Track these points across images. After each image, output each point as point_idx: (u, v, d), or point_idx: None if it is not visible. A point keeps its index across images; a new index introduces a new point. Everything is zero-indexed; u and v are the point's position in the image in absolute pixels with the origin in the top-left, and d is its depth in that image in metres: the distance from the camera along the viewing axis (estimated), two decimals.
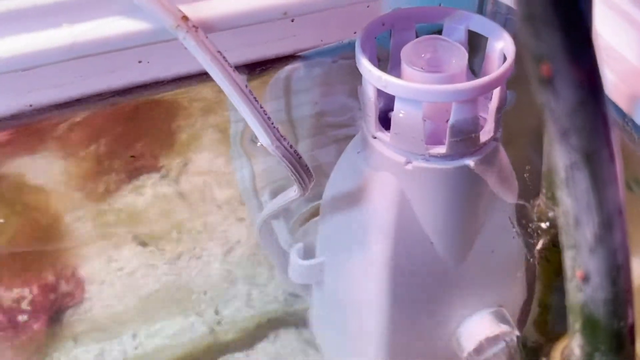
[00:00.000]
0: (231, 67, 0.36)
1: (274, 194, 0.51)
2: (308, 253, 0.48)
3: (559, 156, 0.24)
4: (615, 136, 0.24)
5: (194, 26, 0.35)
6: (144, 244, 0.56)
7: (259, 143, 0.37)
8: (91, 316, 0.57)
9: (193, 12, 0.36)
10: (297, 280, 0.48)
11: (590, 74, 0.23)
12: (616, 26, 0.35)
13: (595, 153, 0.24)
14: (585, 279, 0.26)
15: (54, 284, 0.58)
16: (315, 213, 0.49)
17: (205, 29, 0.36)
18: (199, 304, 0.55)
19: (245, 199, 0.53)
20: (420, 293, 0.44)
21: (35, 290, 0.58)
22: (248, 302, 0.55)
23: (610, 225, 0.25)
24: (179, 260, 0.56)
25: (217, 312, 0.55)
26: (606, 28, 0.36)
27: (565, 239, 0.26)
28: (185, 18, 0.35)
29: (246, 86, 0.37)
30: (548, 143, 0.41)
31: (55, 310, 0.58)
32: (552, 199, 0.41)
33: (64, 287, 0.58)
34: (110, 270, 0.57)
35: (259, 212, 0.51)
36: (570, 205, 0.25)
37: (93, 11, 0.35)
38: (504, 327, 0.44)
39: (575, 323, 0.27)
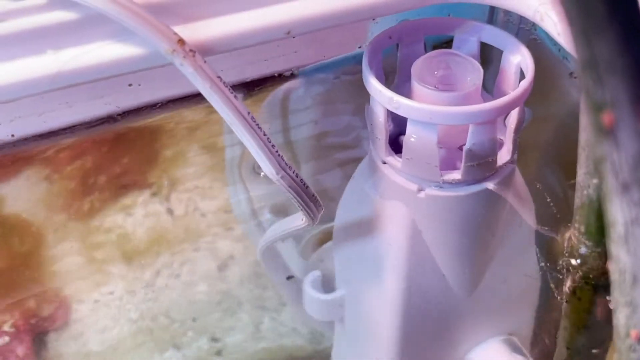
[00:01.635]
0: (232, 93, 0.33)
1: (275, 212, 0.48)
2: (326, 284, 0.44)
3: (618, 211, 0.21)
4: None
5: (191, 50, 0.32)
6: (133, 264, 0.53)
7: (262, 173, 0.34)
8: (77, 344, 0.54)
9: (189, 34, 0.33)
10: (316, 317, 0.45)
11: None
12: None
13: None
14: None
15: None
16: (326, 236, 0.45)
17: (203, 52, 0.33)
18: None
19: (242, 221, 0.49)
20: (431, 323, 0.41)
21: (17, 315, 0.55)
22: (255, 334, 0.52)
23: None
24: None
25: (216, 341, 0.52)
26: None
27: (618, 297, 0.23)
28: (181, 42, 0.32)
29: (249, 113, 0.34)
30: (583, 176, 0.38)
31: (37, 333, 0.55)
32: (586, 234, 0.38)
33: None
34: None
35: (259, 232, 0.48)
36: (629, 263, 0.22)
37: (80, 36, 0.32)
38: (518, 358, 0.41)
39: None
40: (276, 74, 0.42)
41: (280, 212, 0.46)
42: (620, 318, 0.24)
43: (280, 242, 0.45)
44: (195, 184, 0.48)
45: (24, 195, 0.47)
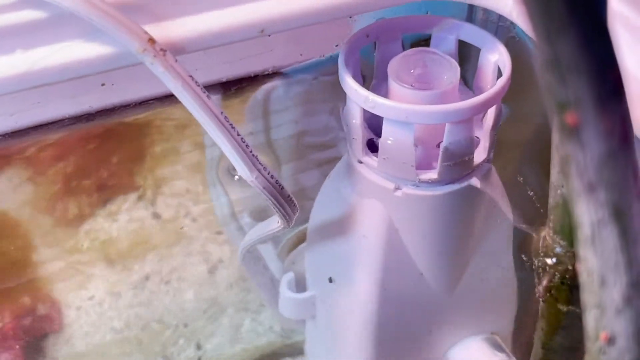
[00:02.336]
0: (205, 92, 0.33)
1: (254, 216, 0.48)
2: (299, 284, 0.44)
3: (584, 212, 0.21)
4: None
5: (161, 50, 0.32)
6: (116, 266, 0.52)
7: (236, 176, 0.34)
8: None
9: (161, 32, 0.33)
10: (288, 315, 0.45)
11: (621, 123, 0.20)
12: (636, 52, 0.32)
13: (625, 208, 0.21)
14: (611, 341, 0.23)
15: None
16: (303, 237, 0.45)
17: (174, 51, 0.32)
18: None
19: (223, 224, 0.49)
20: (409, 323, 0.41)
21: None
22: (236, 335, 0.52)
23: None
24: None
25: (199, 347, 0.52)
26: (626, 55, 0.32)
27: (587, 298, 0.23)
28: (152, 41, 0.32)
29: (222, 113, 0.33)
30: (556, 175, 0.38)
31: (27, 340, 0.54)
32: (560, 234, 0.38)
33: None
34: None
35: (240, 235, 0.47)
36: (596, 264, 0.22)
37: (50, 35, 0.32)
38: (500, 355, 0.41)
39: None
40: (252, 74, 0.41)
41: (260, 215, 0.46)
42: (590, 320, 0.24)
43: (260, 244, 0.45)
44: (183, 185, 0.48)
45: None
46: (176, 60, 0.32)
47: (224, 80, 0.41)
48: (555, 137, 0.35)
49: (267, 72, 0.41)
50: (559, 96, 0.19)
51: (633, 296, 0.22)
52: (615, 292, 0.22)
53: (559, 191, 0.37)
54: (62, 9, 0.31)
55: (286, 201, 0.36)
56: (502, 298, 0.43)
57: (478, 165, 0.38)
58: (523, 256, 0.41)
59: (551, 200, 0.38)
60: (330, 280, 0.42)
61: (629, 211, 0.21)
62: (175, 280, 0.51)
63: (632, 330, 0.23)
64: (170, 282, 0.51)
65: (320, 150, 0.46)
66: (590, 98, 0.19)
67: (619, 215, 0.21)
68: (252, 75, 0.41)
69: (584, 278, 0.23)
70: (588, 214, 0.21)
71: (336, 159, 0.41)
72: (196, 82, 0.33)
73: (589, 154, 0.20)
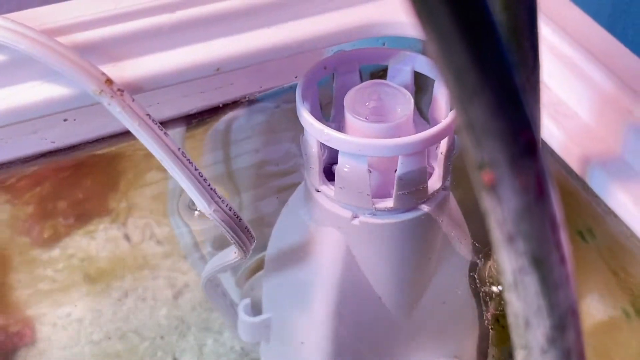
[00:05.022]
0: (162, 130, 0.34)
1: (216, 245, 0.49)
2: (255, 309, 0.45)
3: (505, 260, 0.22)
4: (566, 237, 0.23)
5: (119, 90, 0.33)
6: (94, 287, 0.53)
7: (196, 211, 0.35)
8: None
9: (118, 72, 0.34)
10: (245, 339, 0.46)
11: (536, 180, 0.21)
12: (566, 80, 0.34)
13: (544, 257, 0.22)
14: None
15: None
16: (260, 265, 0.46)
17: (132, 90, 0.33)
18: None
19: (186, 253, 0.50)
20: (368, 348, 0.42)
21: None
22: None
23: (563, 326, 0.23)
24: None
25: None
26: (556, 81, 0.34)
27: (515, 339, 0.24)
28: (109, 81, 0.33)
29: (179, 149, 0.34)
30: None
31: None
32: None
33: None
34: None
35: (202, 263, 0.48)
36: (520, 308, 0.23)
37: (6, 77, 0.33)
38: None
39: None
40: (213, 106, 0.42)
41: (222, 245, 0.47)
42: None
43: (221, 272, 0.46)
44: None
45: None
46: (133, 100, 0.33)
47: (186, 113, 0.42)
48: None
49: (229, 103, 0.42)
50: (476, 157, 0.21)
51: (556, 338, 0.24)
52: (539, 334, 0.23)
53: None
54: (19, 52, 0.31)
55: (243, 232, 0.37)
56: (463, 321, 0.44)
57: (434, 193, 0.39)
58: (473, 275, 0.42)
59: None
60: None
61: (548, 259, 0.22)
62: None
63: None
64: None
65: (281, 177, 0.47)
66: (504, 159, 0.20)
67: (538, 264, 0.22)
68: (213, 107, 0.42)
69: (511, 320, 0.24)
70: (509, 262, 0.22)
71: (295, 186, 0.42)
72: (153, 120, 0.34)
73: (506, 208, 0.21)
